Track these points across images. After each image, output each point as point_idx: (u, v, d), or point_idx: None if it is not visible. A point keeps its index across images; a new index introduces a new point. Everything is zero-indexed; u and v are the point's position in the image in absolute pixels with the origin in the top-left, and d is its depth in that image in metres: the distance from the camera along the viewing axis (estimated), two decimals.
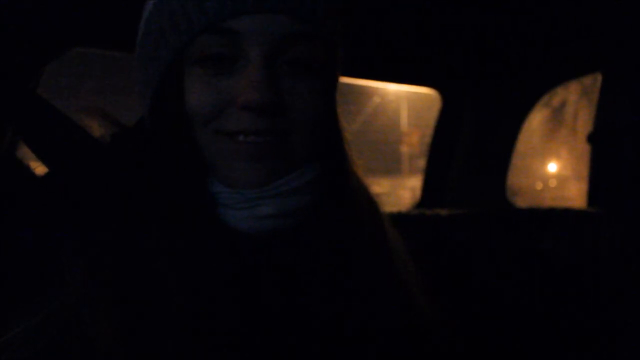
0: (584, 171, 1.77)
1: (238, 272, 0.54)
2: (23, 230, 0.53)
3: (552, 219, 1.48)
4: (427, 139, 1.83)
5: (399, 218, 1.32)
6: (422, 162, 1.86)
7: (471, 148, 1.81)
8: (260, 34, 0.52)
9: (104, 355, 0.47)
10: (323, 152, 0.60)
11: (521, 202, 1.93)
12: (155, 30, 0.56)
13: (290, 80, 0.55)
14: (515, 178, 1.96)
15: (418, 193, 1.83)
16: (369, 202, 0.65)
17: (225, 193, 0.55)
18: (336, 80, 0.64)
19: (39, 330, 0.48)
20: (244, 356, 0.51)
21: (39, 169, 0.60)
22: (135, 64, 0.61)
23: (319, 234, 0.59)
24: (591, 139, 1.71)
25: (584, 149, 1.77)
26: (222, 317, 0.51)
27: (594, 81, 1.74)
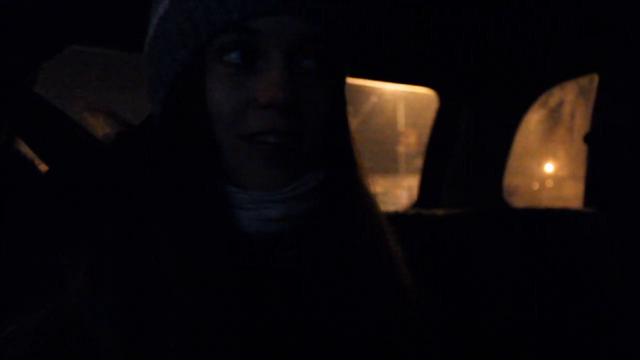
0: (581, 171, 1.77)
1: (241, 273, 0.54)
2: (23, 228, 0.53)
3: (548, 219, 1.48)
4: (424, 139, 1.83)
5: (396, 217, 1.32)
6: (419, 162, 1.86)
7: (468, 148, 1.81)
8: (280, 34, 0.53)
9: (104, 356, 0.47)
10: (331, 156, 0.60)
11: (518, 202, 1.93)
12: (172, 29, 0.55)
13: (306, 80, 0.55)
14: (512, 178, 1.96)
15: (415, 192, 1.83)
16: (372, 206, 0.65)
17: (232, 193, 0.55)
18: (345, 81, 0.64)
19: (38, 330, 0.48)
20: (246, 357, 0.51)
21: (41, 166, 0.60)
22: (146, 63, 0.61)
23: (322, 238, 0.59)
24: (588, 139, 1.71)
25: (581, 149, 1.77)
26: (224, 317, 0.51)
27: (590, 82, 1.75)
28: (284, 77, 0.52)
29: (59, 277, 0.50)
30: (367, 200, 0.64)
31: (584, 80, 1.88)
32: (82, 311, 0.49)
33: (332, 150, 0.60)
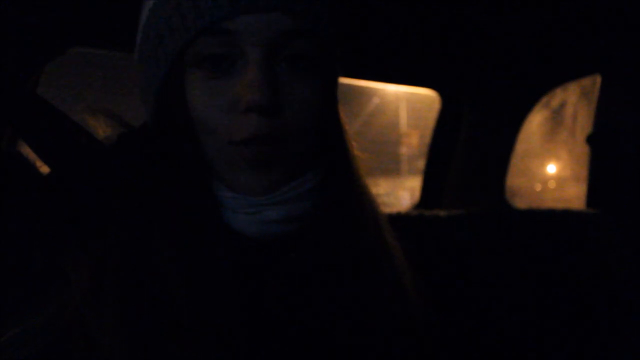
0: (583, 172, 1.77)
1: (243, 275, 0.54)
2: (27, 229, 0.53)
3: (550, 220, 1.48)
4: (427, 140, 1.83)
5: (398, 218, 1.32)
6: (421, 163, 1.86)
7: (470, 149, 1.81)
8: (256, 33, 0.52)
9: (106, 356, 0.47)
10: (326, 155, 0.60)
11: (520, 203, 1.93)
12: (153, 35, 0.55)
13: (289, 77, 0.54)
14: (514, 179, 1.95)
15: (417, 194, 1.83)
16: (371, 206, 0.65)
17: (230, 197, 0.55)
18: (336, 79, 0.63)
19: (43, 330, 0.48)
20: (248, 358, 0.51)
21: (43, 168, 0.60)
22: (135, 68, 0.61)
23: (322, 239, 0.59)
24: (590, 140, 1.71)
25: (583, 150, 1.77)
26: (226, 319, 0.51)
27: (593, 83, 1.74)
28: (262, 78, 0.51)
29: (63, 278, 0.50)
30: (366, 199, 0.64)
31: (586, 82, 1.88)
32: (85, 312, 0.49)
33: (327, 150, 0.60)
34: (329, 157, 0.60)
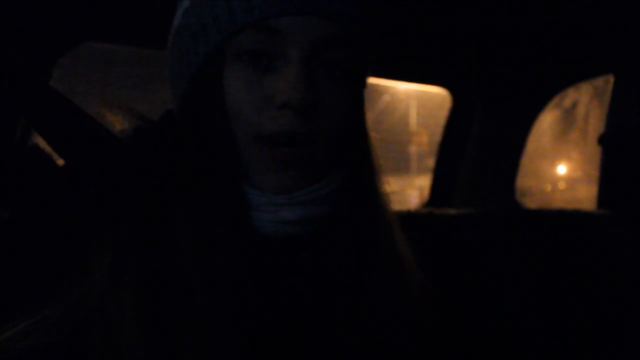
0: (594, 173, 1.76)
1: (256, 273, 0.54)
2: (47, 220, 0.54)
3: (561, 221, 1.47)
4: (437, 139, 1.83)
5: (407, 217, 1.32)
6: (431, 162, 1.86)
7: (481, 148, 1.80)
8: (301, 35, 0.53)
9: (125, 349, 0.48)
10: (349, 159, 0.60)
11: (530, 204, 1.92)
12: (194, 24, 0.56)
13: (325, 82, 0.55)
14: (525, 179, 1.95)
15: (426, 192, 1.83)
16: (386, 210, 0.65)
17: (250, 194, 0.55)
18: (365, 84, 0.64)
19: (60, 321, 0.49)
20: (262, 355, 0.52)
21: (59, 161, 0.61)
22: (168, 56, 0.61)
23: (337, 241, 0.59)
24: (602, 140, 1.70)
25: (595, 150, 1.76)
26: (241, 315, 0.51)
27: (605, 83, 1.73)
28: (302, 78, 0.52)
29: (82, 271, 0.51)
30: (382, 203, 0.64)
31: (599, 81, 1.86)
32: (104, 305, 0.49)
33: (350, 152, 0.60)
34: (351, 161, 0.61)
